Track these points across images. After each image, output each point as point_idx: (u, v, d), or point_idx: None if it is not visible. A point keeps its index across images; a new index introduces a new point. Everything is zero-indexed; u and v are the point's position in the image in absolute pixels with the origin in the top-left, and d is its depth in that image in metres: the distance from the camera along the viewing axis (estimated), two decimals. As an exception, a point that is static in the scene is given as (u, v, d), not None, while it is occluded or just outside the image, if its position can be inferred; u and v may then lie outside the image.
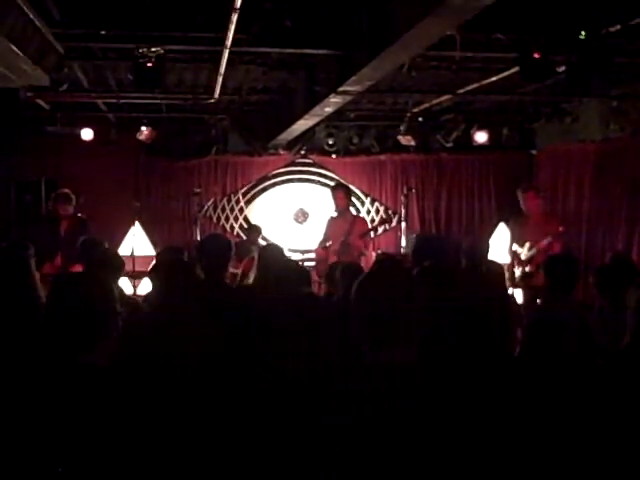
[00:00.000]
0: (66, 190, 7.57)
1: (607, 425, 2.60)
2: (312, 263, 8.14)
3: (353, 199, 10.39)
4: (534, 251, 7.01)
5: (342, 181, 10.20)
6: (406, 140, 9.48)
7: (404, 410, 1.86)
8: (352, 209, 9.47)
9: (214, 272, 3.95)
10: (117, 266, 4.50)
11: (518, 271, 7.15)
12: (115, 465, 2.04)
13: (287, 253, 9.46)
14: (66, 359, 2.13)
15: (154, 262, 4.28)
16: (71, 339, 2.15)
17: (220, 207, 10.46)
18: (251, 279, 4.79)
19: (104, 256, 4.55)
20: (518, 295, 7.09)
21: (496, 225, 9.92)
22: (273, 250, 5.20)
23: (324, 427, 1.96)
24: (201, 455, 2.38)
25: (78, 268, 5.59)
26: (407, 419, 1.86)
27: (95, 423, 2.03)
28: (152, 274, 3.88)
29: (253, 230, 9.32)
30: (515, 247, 7.26)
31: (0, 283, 3.75)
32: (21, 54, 4.82)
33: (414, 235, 8.71)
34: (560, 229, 7.03)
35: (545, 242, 6.92)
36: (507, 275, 6.96)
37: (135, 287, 7.64)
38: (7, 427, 2.04)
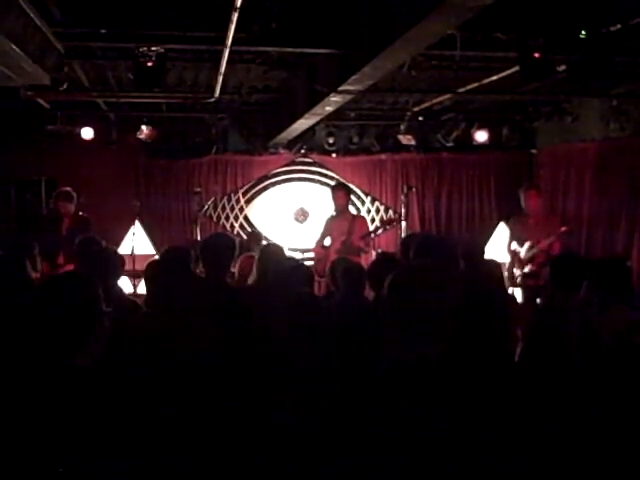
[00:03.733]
0: (67, 188, 7.58)
1: (608, 424, 2.60)
2: (311, 262, 8.13)
3: (353, 198, 10.40)
4: (535, 250, 7.01)
5: (342, 180, 10.20)
6: (406, 139, 9.47)
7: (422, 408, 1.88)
8: (352, 208, 9.46)
9: (215, 271, 3.93)
10: (116, 265, 4.48)
11: (518, 270, 7.15)
12: (105, 466, 2.03)
13: (287, 252, 9.51)
14: (51, 361, 2.11)
15: (150, 262, 4.22)
16: (55, 341, 2.14)
17: (220, 206, 10.46)
18: (250, 280, 4.77)
19: (101, 255, 4.52)
20: (517, 294, 7.10)
21: (496, 224, 9.92)
22: (273, 250, 5.19)
23: (329, 427, 1.96)
24: (196, 457, 2.38)
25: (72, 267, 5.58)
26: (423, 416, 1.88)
27: (82, 425, 2.03)
28: (148, 274, 3.83)
29: (253, 237, 9.23)
30: (514, 246, 7.26)
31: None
32: (21, 53, 4.82)
33: (408, 234, 8.64)
34: (563, 229, 7.03)
35: (547, 242, 6.91)
36: (506, 274, 6.98)
37: (135, 286, 7.64)
38: None
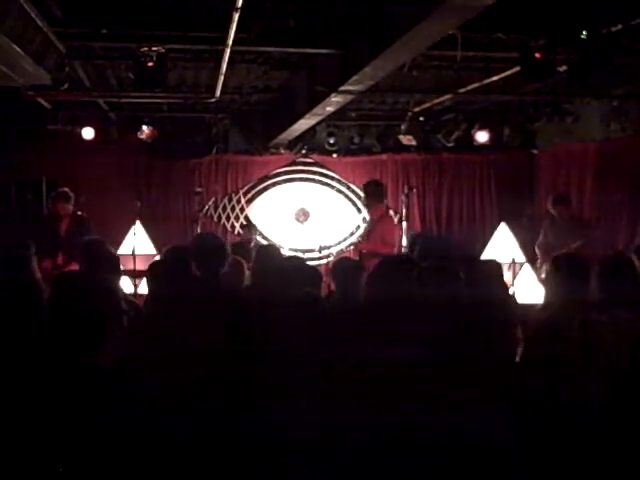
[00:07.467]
0: (65, 189, 7.58)
1: (609, 424, 2.60)
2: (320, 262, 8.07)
3: (354, 198, 10.44)
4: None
5: (346, 182, 10.16)
6: (407, 140, 9.47)
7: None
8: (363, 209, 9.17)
9: (208, 272, 3.91)
10: (118, 266, 4.49)
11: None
12: (116, 465, 2.03)
13: (287, 253, 9.49)
14: (69, 360, 2.11)
15: (153, 262, 4.24)
16: (74, 340, 2.13)
17: (221, 206, 10.46)
18: (246, 281, 4.76)
19: (104, 256, 4.52)
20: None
21: (497, 224, 9.91)
22: (270, 251, 5.18)
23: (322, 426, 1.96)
24: (201, 454, 2.38)
25: (76, 267, 5.57)
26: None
27: (97, 423, 2.03)
28: (150, 274, 3.82)
29: (247, 230, 9.21)
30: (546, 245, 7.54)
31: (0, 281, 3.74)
32: (22, 53, 4.82)
33: (411, 235, 8.54)
34: (593, 233, 7.32)
35: (574, 246, 7.12)
36: (536, 271, 7.15)
37: (136, 286, 7.63)
38: (8, 427, 2.04)
